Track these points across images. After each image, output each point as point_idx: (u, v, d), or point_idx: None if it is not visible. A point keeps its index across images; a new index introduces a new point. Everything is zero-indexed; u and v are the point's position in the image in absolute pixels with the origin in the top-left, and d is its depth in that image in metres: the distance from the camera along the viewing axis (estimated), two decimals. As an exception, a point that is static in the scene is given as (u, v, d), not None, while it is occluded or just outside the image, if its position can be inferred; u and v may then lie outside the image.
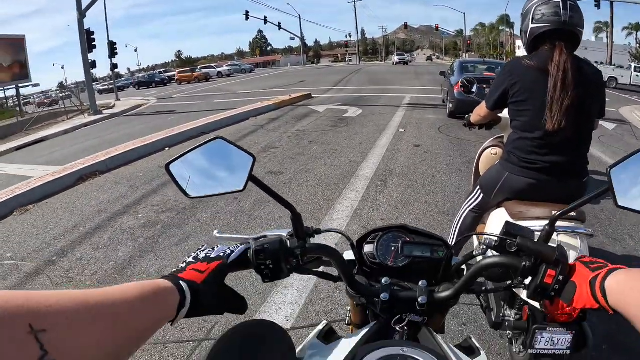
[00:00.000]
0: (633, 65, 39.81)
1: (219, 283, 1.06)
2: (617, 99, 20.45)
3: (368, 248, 1.36)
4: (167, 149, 9.81)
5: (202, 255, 1.10)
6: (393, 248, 1.33)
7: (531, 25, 2.57)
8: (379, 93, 21.73)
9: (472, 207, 3.11)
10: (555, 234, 2.23)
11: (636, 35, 76.79)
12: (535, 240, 1.17)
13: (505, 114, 2.87)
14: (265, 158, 8.40)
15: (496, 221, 2.77)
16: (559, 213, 1.28)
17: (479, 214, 3.12)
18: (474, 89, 3.94)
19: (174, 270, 1.04)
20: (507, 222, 1.21)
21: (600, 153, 8.76)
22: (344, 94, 22.02)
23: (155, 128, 13.55)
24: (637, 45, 71.20)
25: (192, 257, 1.08)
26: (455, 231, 3.24)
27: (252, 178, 1.20)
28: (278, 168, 7.63)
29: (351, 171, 7.33)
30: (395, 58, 78.29)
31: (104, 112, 22.94)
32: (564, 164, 2.55)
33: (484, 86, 12.17)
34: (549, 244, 1.17)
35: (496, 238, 1.18)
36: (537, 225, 2.33)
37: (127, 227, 5.57)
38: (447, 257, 1.32)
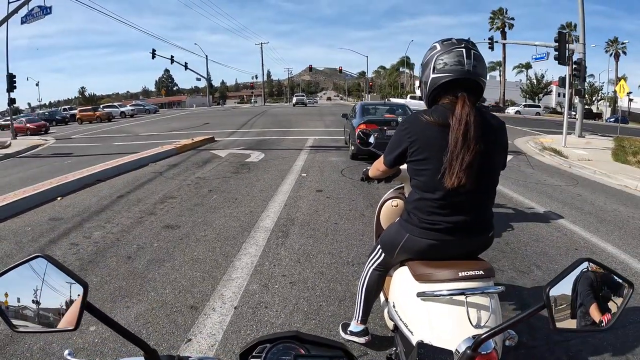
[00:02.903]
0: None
1: None
2: (511, 131, 21.63)
3: None
4: (59, 198, 9.18)
5: None
6: None
7: (432, 75, 2.44)
8: (283, 135, 21.91)
9: (375, 266, 2.96)
10: (464, 296, 2.13)
11: (526, 72, 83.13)
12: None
13: (405, 165, 2.73)
14: (162, 210, 8.01)
15: (400, 282, 2.63)
16: (480, 339, 1.18)
17: (384, 272, 2.98)
18: (371, 140, 3.87)
19: None
20: (419, 345, 1.07)
21: (500, 185, 9.05)
22: (248, 137, 21.94)
23: (51, 172, 12.98)
24: (527, 81, 77.14)
25: None
26: (361, 291, 3.10)
27: (89, 309, 0.97)
28: (175, 221, 7.25)
29: (251, 222, 7.08)
30: (294, 99, 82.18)
31: (-3, 152, 21.62)
32: (467, 223, 2.44)
33: (385, 128, 12.46)
34: None
35: None
36: (444, 289, 2.22)
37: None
38: None
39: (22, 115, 58.59)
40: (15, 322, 0.99)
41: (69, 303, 1.00)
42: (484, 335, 1.22)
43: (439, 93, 2.47)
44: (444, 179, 2.30)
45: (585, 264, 1.22)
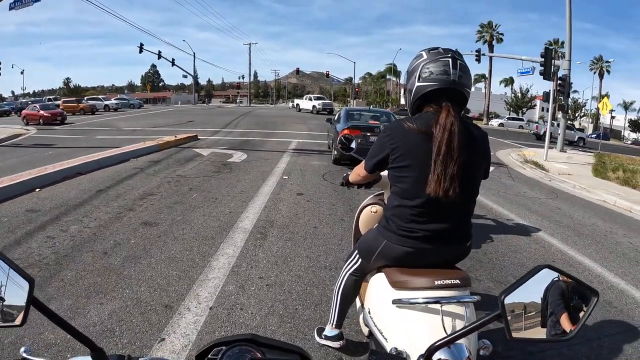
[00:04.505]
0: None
1: None
2: (494, 143, 21.91)
3: None
4: (37, 189, 9.04)
5: None
6: None
7: (417, 84, 2.44)
8: (266, 137, 21.92)
9: (351, 271, 2.96)
10: (439, 305, 2.13)
11: (512, 86, 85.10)
12: None
13: (386, 172, 2.72)
14: (141, 206, 7.92)
15: (376, 288, 2.62)
16: (435, 346, 1.18)
17: (360, 277, 2.98)
18: (353, 145, 3.87)
19: None
20: (371, 352, 1.06)
21: (480, 196, 9.20)
22: (232, 137, 21.87)
23: (31, 163, 12.80)
24: (512, 94, 78.75)
25: None
26: (337, 296, 3.09)
27: (36, 305, 0.95)
28: (154, 218, 7.18)
29: (230, 222, 7.03)
30: (316, 104, 54.18)
31: (-23, 140, 21.21)
32: (446, 232, 2.44)
33: (369, 134, 12.48)
34: None
35: None
36: (419, 297, 2.21)
37: (-22, 285, 4.92)
38: None
39: (5, 102, 57.17)
40: None
41: (16, 299, 0.98)
42: (438, 344, 1.22)
43: (424, 101, 2.47)
44: (427, 187, 2.29)
45: (547, 272, 1.22)
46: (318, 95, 69.06)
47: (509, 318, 1.17)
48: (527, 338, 1.20)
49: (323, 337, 3.35)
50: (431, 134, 2.30)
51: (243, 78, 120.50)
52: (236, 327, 3.94)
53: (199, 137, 20.27)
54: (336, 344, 3.30)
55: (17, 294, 0.99)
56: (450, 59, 2.38)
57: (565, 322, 1.22)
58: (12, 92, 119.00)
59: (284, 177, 11.28)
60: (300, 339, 3.74)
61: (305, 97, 65.91)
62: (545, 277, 1.22)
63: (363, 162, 2.80)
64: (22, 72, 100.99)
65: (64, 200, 8.24)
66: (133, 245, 5.92)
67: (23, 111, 37.25)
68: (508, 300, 1.17)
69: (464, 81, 2.41)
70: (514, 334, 1.16)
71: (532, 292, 1.20)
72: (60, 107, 48.25)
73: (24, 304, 0.97)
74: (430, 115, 2.38)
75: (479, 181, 2.52)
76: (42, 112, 34.40)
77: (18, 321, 0.98)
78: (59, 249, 5.73)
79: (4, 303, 0.99)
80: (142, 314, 4.11)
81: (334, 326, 3.23)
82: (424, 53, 2.49)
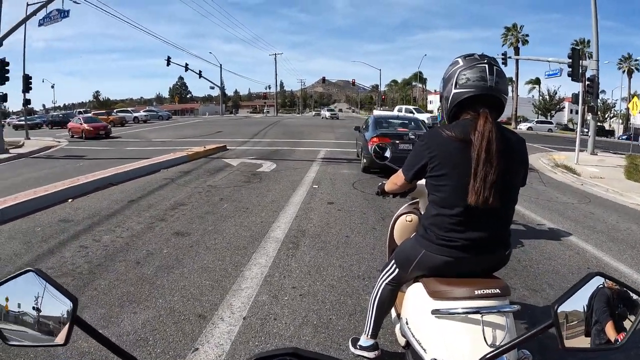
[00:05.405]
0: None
1: None
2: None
3: None
4: (70, 200, 9.20)
5: None
6: None
7: (454, 90, 2.43)
8: (294, 146, 22.01)
9: (388, 280, 2.93)
10: (479, 315, 2.10)
11: (538, 88, 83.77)
12: None
13: (422, 180, 2.70)
14: (172, 216, 8.01)
15: (414, 298, 2.60)
16: (486, 358, 1.16)
17: (396, 287, 2.95)
18: (387, 154, 3.83)
19: None
20: None
21: None
22: (260, 147, 22.04)
23: (63, 174, 13.08)
24: (540, 97, 77.34)
25: None
26: (373, 306, 3.06)
27: (79, 324, 0.95)
28: (185, 228, 7.25)
29: (262, 232, 7.06)
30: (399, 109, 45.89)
31: (10, 151, 21.86)
32: (485, 240, 2.41)
33: (398, 142, 12.40)
34: None
35: None
36: (459, 307, 2.18)
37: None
38: None
39: (37, 115, 58.10)
40: (7, 335, 0.98)
41: (59, 318, 0.99)
42: (489, 355, 1.20)
43: (460, 108, 2.46)
44: (467, 195, 2.27)
45: (597, 279, 1.19)
46: (415, 107, 55.42)
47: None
48: (579, 347, 1.17)
49: (358, 347, 3.33)
50: (469, 141, 2.28)
51: (270, 88, 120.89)
52: (270, 337, 3.94)
53: (227, 148, 20.52)
54: (371, 354, 3.27)
55: (60, 312, 1.00)
56: (486, 65, 2.37)
57: (610, 331, 1.19)
58: (43, 106, 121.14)
59: (314, 186, 11.31)
60: (334, 349, 3.73)
61: (397, 107, 51.16)
62: (593, 284, 1.20)
63: (400, 171, 2.77)
64: (52, 86, 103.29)
65: (97, 211, 8.37)
66: (165, 255, 5.98)
67: (68, 124, 36.46)
68: (561, 309, 1.14)
69: (501, 87, 2.39)
70: (567, 344, 1.13)
71: (581, 300, 1.18)
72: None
73: (68, 323, 0.98)
74: (468, 122, 2.36)
75: (517, 188, 2.50)
76: (84, 125, 32.58)
77: (61, 340, 0.98)
78: (92, 258, 5.82)
79: (46, 320, 1.00)
80: (175, 323, 4.14)
81: (369, 336, 3.20)
82: (460, 60, 2.48)
